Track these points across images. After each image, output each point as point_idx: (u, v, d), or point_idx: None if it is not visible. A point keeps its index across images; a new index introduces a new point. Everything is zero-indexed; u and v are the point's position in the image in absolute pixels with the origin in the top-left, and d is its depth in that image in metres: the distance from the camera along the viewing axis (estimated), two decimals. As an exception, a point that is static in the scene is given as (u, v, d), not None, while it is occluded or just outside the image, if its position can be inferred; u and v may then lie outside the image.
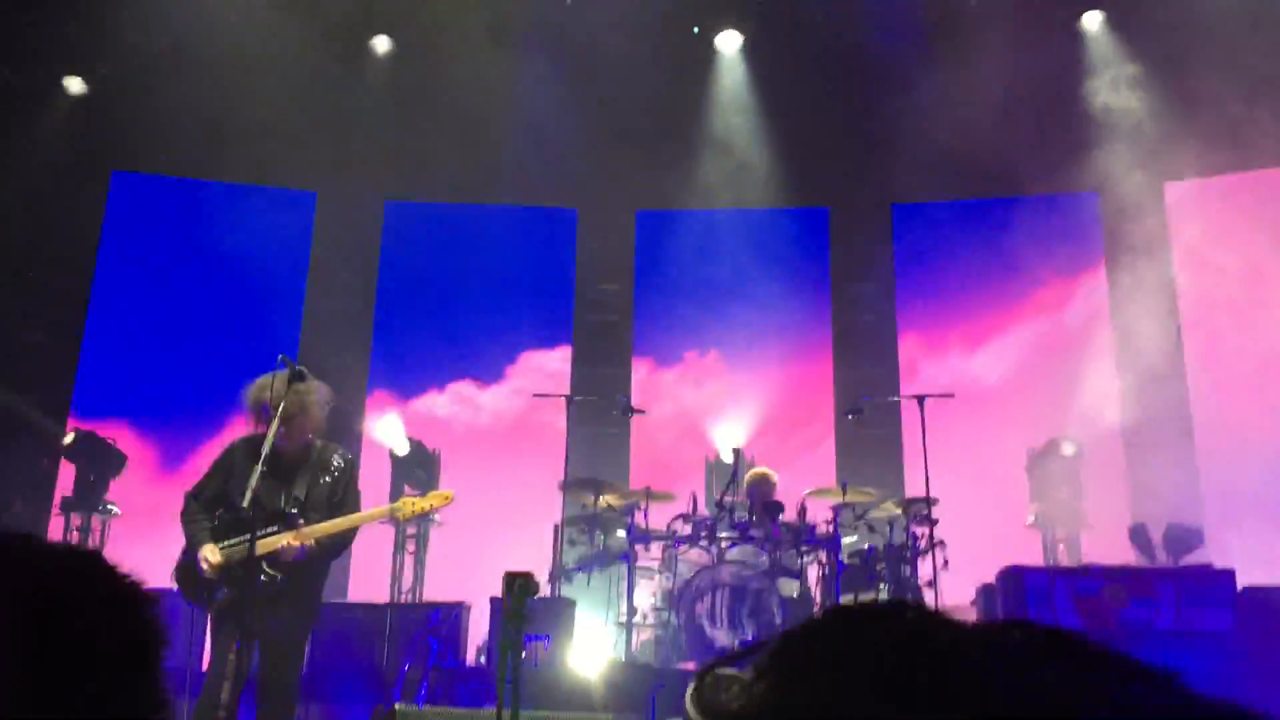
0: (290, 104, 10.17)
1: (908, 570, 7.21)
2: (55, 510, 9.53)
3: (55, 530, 9.42)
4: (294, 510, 5.05)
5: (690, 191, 10.65)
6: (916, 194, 10.47)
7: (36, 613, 1.11)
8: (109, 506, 9.23)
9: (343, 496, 5.22)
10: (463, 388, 10.60)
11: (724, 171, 10.42)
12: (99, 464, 9.33)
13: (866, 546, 7.39)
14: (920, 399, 7.49)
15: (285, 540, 4.96)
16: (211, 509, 5.16)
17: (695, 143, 10.53)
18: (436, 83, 10.49)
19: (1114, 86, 9.60)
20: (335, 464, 5.26)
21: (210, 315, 10.47)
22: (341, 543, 5.22)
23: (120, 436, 9.50)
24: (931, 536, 7.22)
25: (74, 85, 10.41)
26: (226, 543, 5.01)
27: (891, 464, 9.46)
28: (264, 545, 4.93)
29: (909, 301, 10.53)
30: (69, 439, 9.59)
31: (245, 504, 4.75)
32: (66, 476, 9.62)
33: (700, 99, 10.62)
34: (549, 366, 10.60)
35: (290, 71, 10.08)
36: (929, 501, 7.29)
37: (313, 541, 5.01)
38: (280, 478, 5.12)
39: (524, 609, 2.79)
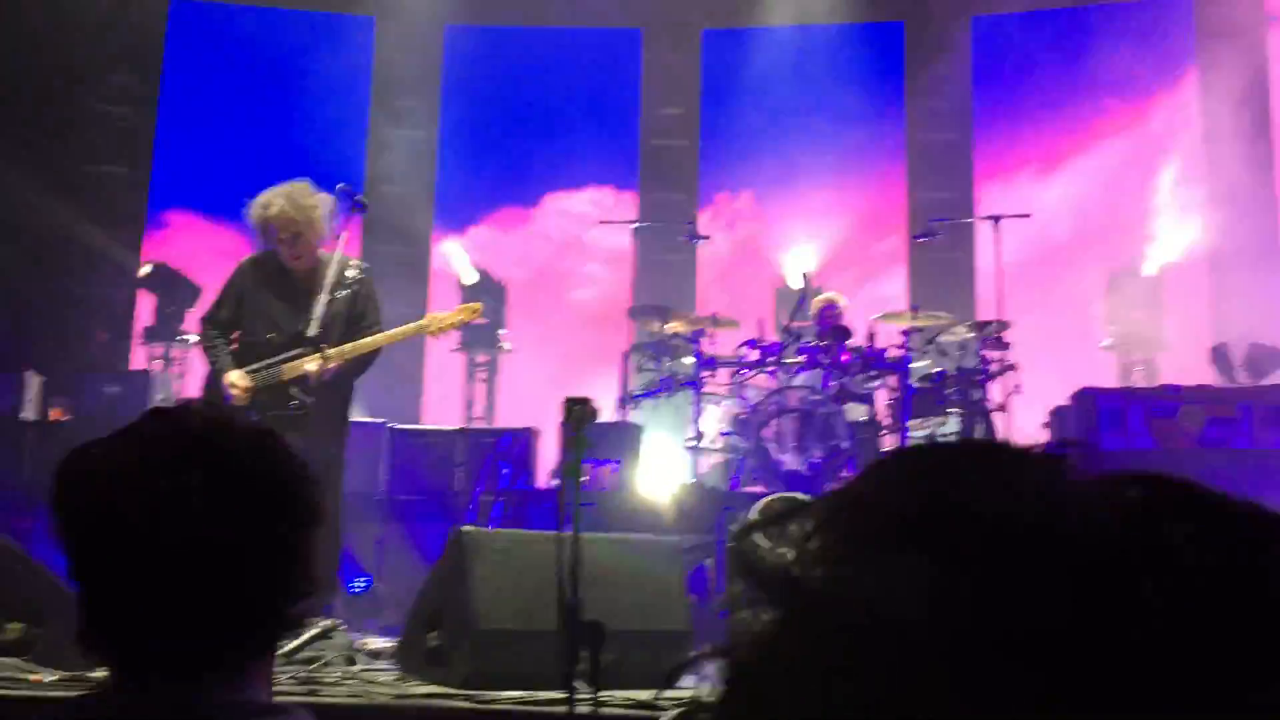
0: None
1: (978, 394, 7.13)
2: (137, 340, 9.80)
3: (138, 359, 9.70)
4: (314, 332, 4.91)
5: (758, 7, 10.22)
6: (995, 4, 9.93)
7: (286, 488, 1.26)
8: (185, 336, 9.43)
9: (363, 309, 5.09)
10: (529, 215, 10.52)
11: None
12: (174, 295, 9.52)
13: (936, 371, 7.29)
14: (995, 219, 7.26)
15: (311, 363, 4.87)
16: (228, 332, 5.09)
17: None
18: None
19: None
20: (351, 277, 5.10)
21: (276, 145, 10.41)
22: (368, 360, 5.11)
23: (193, 266, 9.62)
24: (1004, 360, 7.10)
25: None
26: (250, 368, 4.93)
27: (964, 288, 9.27)
28: (289, 370, 4.88)
29: (985, 120, 10.11)
30: (145, 271, 9.77)
31: (263, 325, 4.72)
32: (145, 308, 9.84)
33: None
34: (608, 196, 10.44)
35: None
36: (1001, 325, 7.14)
37: (339, 362, 4.93)
38: (295, 299, 5.01)
39: (584, 434, 2.78)
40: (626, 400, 7.58)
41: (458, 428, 8.56)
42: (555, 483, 7.69)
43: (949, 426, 7.22)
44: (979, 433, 7.03)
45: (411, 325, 5.24)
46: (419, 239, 10.15)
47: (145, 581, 1.20)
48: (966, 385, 7.13)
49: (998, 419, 7.09)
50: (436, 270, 10.20)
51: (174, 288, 9.52)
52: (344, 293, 5.05)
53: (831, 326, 7.30)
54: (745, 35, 10.56)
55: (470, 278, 9.92)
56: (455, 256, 9.83)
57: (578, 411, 2.70)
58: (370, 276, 5.23)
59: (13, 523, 5.61)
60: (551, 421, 7.93)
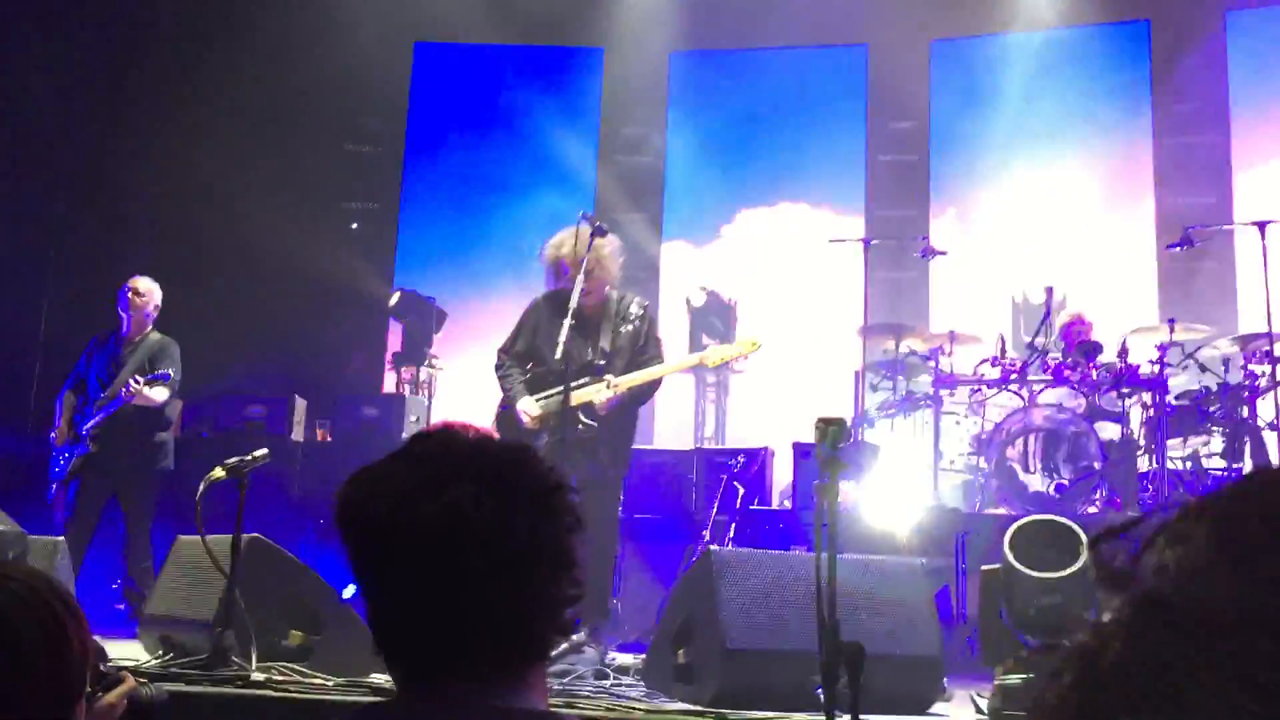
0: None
1: (1245, 411, 6.66)
2: (388, 365, 10.38)
3: (390, 383, 10.27)
4: (601, 362, 5.23)
5: (989, 15, 9.93)
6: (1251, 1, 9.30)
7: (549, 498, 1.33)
8: (433, 361, 9.91)
9: (645, 344, 5.38)
10: (756, 232, 10.53)
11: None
12: (422, 321, 10.02)
13: (1198, 387, 6.86)
14: (1261, 225, 6.78)
15: (598, 390, 5.15)
16: (523, 363, 5.45)
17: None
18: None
19: None
20: (634, 313, 5.41)
21: (512, 174, 10.86)
22: (650, 389, 5.40)
23: (439, 293, 10.11)
24: (1274, 375, 6.61)
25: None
26: (541, 395, 5.28)
27: (1224, 298, 8.67)
28: (578, 397, 5.16)
29: (1244, 118, 9.45)
30: (394, 300, 10.34)
31: (558, 357, 4.98)
32: (395, 334, 10.41)
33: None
34: (838, 213, 10.33)
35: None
36: (1271, 337, 6.66)
37: (624, 390, 5.19)
38: (584, 331, 5.31)
39: (838, 454, 2.77)
40: (862, 420, 7.47)
41: (692, 448, 8.65)
42: (786, 504, 7.67)
43: (1213, 446, 6.77)
44: (1247, 452, 6.56)
45: (693, 356, 5.55)
46: (649, 262, 10.33)
47: (426, 590, 1.28)
48: (1232, 402, 6.67)
49: (1268, 438, 6.60)
50: (666, 290, 10.34)
51: (421, 315, 10.02)
52: (628, 327, 5.36)
53: (1079, 342, 6.98)
54: (976, 44, 10.28)
55: (699, 299, 10.03)
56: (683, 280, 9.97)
57: (833, 431, 2.68)
58: (652, 313, 5.54)
59: (287, 535, 6.03)
60: (783, 441, 7.94)
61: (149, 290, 6.64)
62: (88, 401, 6.49)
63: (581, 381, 5.21)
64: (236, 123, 10.15)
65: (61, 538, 5.24)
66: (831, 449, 2.68)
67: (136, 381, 6.21)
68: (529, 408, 5.25)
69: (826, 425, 2.71)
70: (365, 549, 1.34)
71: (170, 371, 6.38)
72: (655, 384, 5.43)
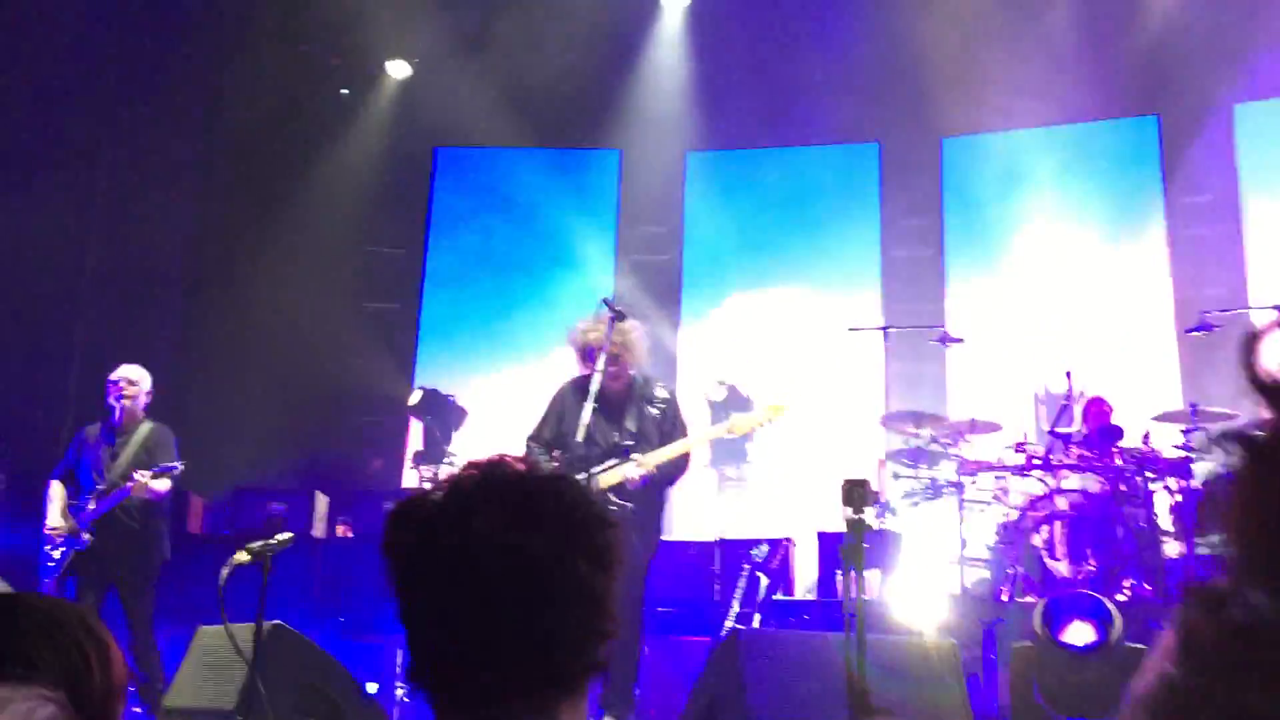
0: (590, 66, 10.56)
1: (1272, 495, 6.57)
2: (409, 463, 10.38)
3: (410, 481, 10.27)
4: (629, 443, 5.25)
5: (999, 112, 10.13)
6: (1258, 91, 9.46)
7: (589, 531, 1.34)
8: (451, 459, 9.91)
9: (672, 428, 5.41)
10: (772, 322, 10.59)
11: (1038, 85, 9.81)
12: (443, 419, 10.05)
13: (1223, 470, 6.78)
14: (1278, 308, 6.79)
15: (627, 470, 5.14)
16: (550, 450, 5.44)
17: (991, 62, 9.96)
18: (729, 31, 10.53)
19: None
20: (660, 396, 5.45)
21: (532, 274, 11.03)
22: (679, 468, 5.40)
23: (460, 392, 10.17)
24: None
25: (396, 70, 11.15)
26: None
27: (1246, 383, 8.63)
28: (606, 479, 5.15)
29: (1255, 207, 9.54)
30: (415, 399, 10.39)
31: (580, 438, 4.99)
32: (416, 432, 10.43)
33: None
34: (853, 305, 10.41)
35: (586, 37, 10.46)
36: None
37: (653, 469, 5.17)
38: (610, 415, 5.35)
39: (863, 517, 2.76)
40: (885, 509, 7.41)
41: (714, 538, 8.59)
42: (811, 595, 7.58)
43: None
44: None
45: (720, 426, 5.53)
46: (668, 356, 10.39)
47: (455, 617, 1.29)
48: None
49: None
50: (683, 382, 10.37)
51: (441, 413, 10.06)
52: (654, 411, 5.41)
53: (1101, 427, 6.95)
54: (986, 141, 10.46)
55: (718, 394, 10.04)
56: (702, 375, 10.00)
57: (858, 493, 2.68)
58: (676, 398, 5.58)
59: (309, 631, 5.98)
60: (806, 532, 7.88)
61: (140, 378, 6.51)
62: (80, 493, 6.36)
63: (610, 463, 5.21)
64: (260, 223, 10.37)
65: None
66: (857, 511, 2.68)
67: (140, 475, 6.15)
68: None
69: (852, 487, 2.71)
70: (399, 575, 1.36)
71: (179, 465, 6.33)
72: (684, 465, 5.42)
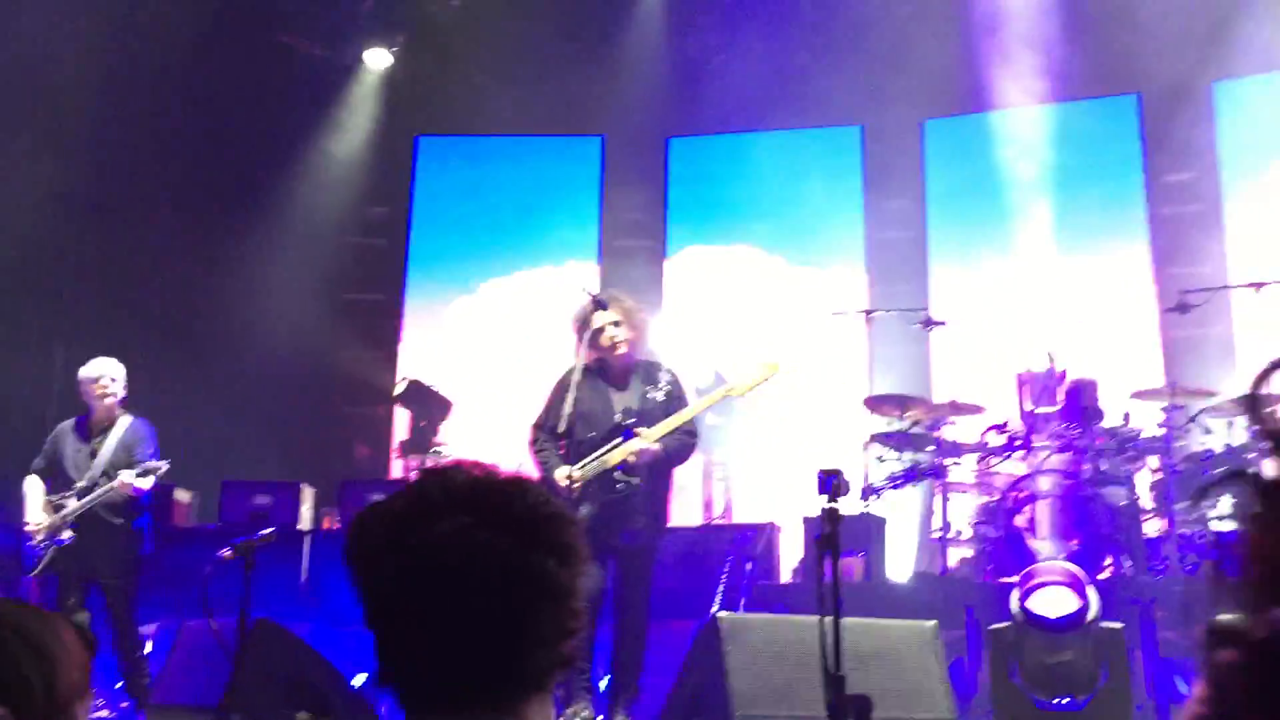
0: (567, 51, 10.54)
1: (1253, 473, 6.63)
2: (395, 453, 10.39)
3: (396, 471, 10.28)
4: (631, 421, 5.26)
5: (981, 93, 10.13)
6: (1235, 69, 9.49)
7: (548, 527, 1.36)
8: (438, 448, 9.91)
9: (676, 407, 5.38)
10: (755, 306, 10.61)
11: (1019, 65, 9.82)
12: (428, 409, 10.05)
13: (1203, 449, 6.86)
14: (1257, 286, 6.85)
15: (632, 446, 5.17)
16: (556, 438, 5.42)
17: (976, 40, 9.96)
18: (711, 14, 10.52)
19: None
20: (663, 378, 5.44)
21: (516, 260, 11.03)
22: (685, 444, 5.39)
23: (445, 382, 10.16)
24: None
25: (376, 59, 11.10)
26: (579, 465, 5.24)
27: (1225, 361, 8.70)
28: (612, 458, 5.19)
29: (1235, 184, 9.58)
30: (400, 388, 10.39)
31: (566, 413, 5.00)
32: (401, 423, 10.44)
33: None
34: (838, 288, 10.43)
35: (560, 17, 10.44)
36: (1273, 398, 6.65)
37: (658, 444, 5.18)
38: (612, 397, 5.38)
39: (838, 506, 2.78)
40: (868, 492, 7.45)
41: (700, 525, 8.62)
42: (797, 579, 7.61)
43: (1221, 508, 6.74)
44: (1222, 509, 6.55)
45: (719, 391, 5.50)
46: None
47: (423, 619, 1.31)
48: (1238, 464, 6.66)
49: (1276, 498, 6.55)
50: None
51: (427, 403, 10.06)
52: (657, 394, 5.39)
53: (1082, 407, 7.00)
54: (967, 123, 10.47)
55: (706, 381, 10.04)
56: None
57: (834, 483, 2.70)
58: (679, 380, 5.57)
59: (296, 624, 5.98)
60: (790, 515, 7.91)
61: (117, 373, 6.42)
62: (59, 490, 6.30)
63: (614, 443, 5.21)
64: (246, 212, 10.33)
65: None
66: (833, 500, 2.70)
67: (124, 474, 6.07)
68: (564, 476, 5.20)
69: (827, 476, 2.73)
70: (364, 582, 1.37)
71: (164, 464, 6.28)
72: (689, 443, 5.42)
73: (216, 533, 7.77)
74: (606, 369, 5.37)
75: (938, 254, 10.44)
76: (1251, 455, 6.67)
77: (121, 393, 6.47)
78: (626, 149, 11.17)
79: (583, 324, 5.42)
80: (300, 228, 10.66)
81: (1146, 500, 6.88)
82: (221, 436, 9.28)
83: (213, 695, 4.30)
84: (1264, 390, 0.71)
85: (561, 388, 5.50)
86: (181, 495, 8.54)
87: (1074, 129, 10.03)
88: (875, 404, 7.82)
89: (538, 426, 5.52)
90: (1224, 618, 0.67)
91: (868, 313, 7.89)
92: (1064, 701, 3.78)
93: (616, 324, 5.36)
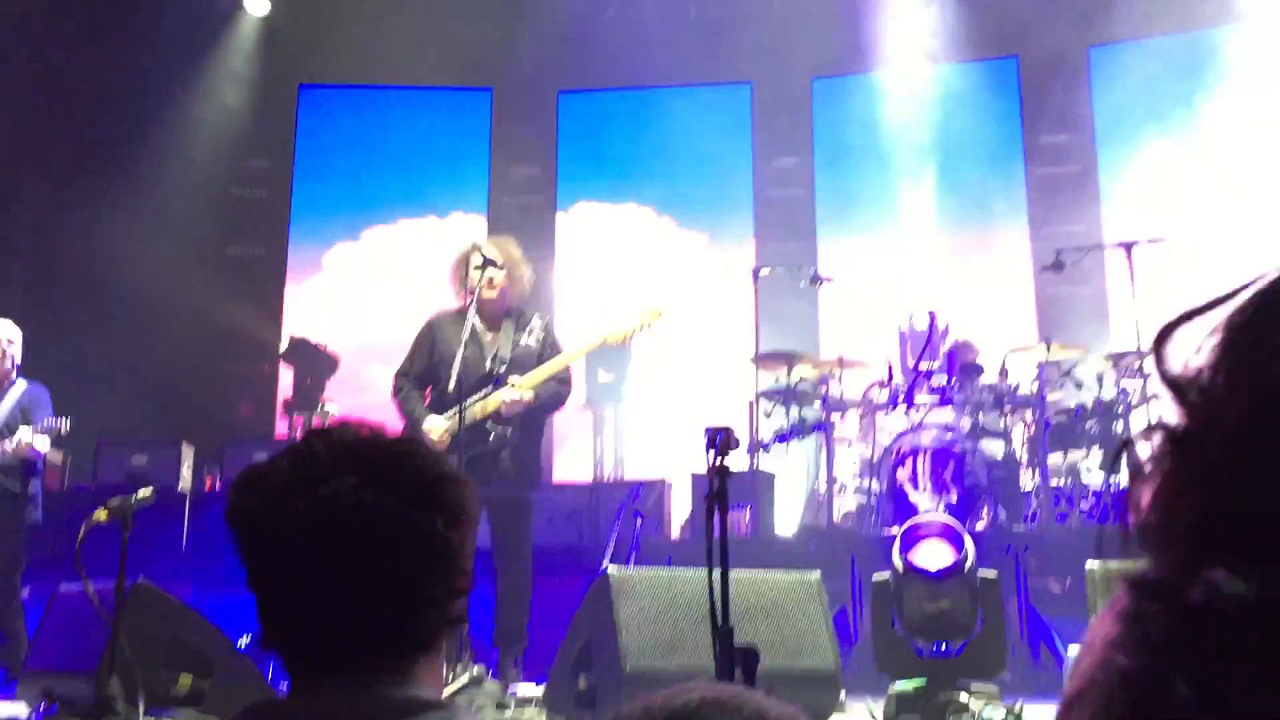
0: (458, 1, 10.34)
1: (1120, 426, 6.93)
2: (279, 411, 10.17)
3: (281, 430, 10.07)
4: (501, 369, 5.15)
5: (867, 54, 10.27)
6: (1110, 33, 9.77)
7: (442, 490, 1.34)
8: (326, 407, 9.73)
9: (550, 354, 5.28)
10: (644, 263, 10.63)
11: (901, 26, 9.97)
12: (314, 367, 9.85)
13: (1074, 404, 7.13)
14: (1127, 247, 7.10)
15: (504, 394, 5.06)
16: (422, 385, 5.32)
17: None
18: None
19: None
20: (534, 325, 5.34)
21: (402, 214, 10.84)
22: (558, 393, 5.29)
23: (330, 338, 9.96)
24: (1145, 390, 6.90)
25: (256, 4, 10.72)
26: (448, 414, 5.10)
27: (1098, 318, 9.05)
28: (483, 407, 5.06)
29: (1109, 147, 9.92)
30: (285, 346, 10.16)
31: (454, 369, 4.91)
32: (286, 381, 10.22)
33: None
34: (727, 246, 10.51)
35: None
36: (1140, 355, 6.95)
37: (530, 392, 5.11)
38: (483, 346, 5.22)
39: (726, 462, 2.82)
40: (756, 447, 7.57)
41: (590, 481, 8.66)
42: (688, 535, 7.72)
43: (1091, 460, 7.03)
44: (1123, 465, 6.82)
45: (595, 339, 5.34)
46: (543, 296, 10.34)
47: (309, 581, 1.30)
48: (1107, 417, 6.94)
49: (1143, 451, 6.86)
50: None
51: (312, 361, 9.86)
52: (528, 341, 5.28)
53: (962, 364, 7.20)
54: (855, 82, 10.60)
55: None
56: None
57: (721, 440, 2.73)
58: (552, 324, 5.47)
59: (177, 587, 5.84)
60: (681, 473, 7.99)
61: (15, 335, 6.22)
62: None
63: (484, 391, 5.12)
64: (117, 166, 9.93)
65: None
66: (721, 457, 2.73)
67: (23, 430, 5.90)
68: (432, 425, 5.08)
69: (714, 434, 2.76)
70: (248, 545, 1.34)
71: (62, 421, 6.07)
72: (563, 392, 5.32)
73: (92, 495, 7.53)
74: (479, 314, 5.18)
75: (825, 212, 10.59)
76: (1119, 409, 6.95)
77: (18, 356, 6.24)
78: (517, 102, 11.04)
79: (459, 265, 5.31)
80: (178, 180, 10.30)
81: (1021, 453, 7.13)
82: (97, 396, 8.95)
83: (90, 660, 4.18)
84: (1168, 342, 0.72)
85: (429, 331, 5.38)
86: (54, 456, 8.23)
87: (956, 90, 10.24)
88: (764, 360, 7.91)
89: (402, 374, 5.36)
90: (1143, 570, 0.70)
91: (755, 270, 7.96)
92: (943, 648, 3.91)
93: (493, 265, 5.19)
